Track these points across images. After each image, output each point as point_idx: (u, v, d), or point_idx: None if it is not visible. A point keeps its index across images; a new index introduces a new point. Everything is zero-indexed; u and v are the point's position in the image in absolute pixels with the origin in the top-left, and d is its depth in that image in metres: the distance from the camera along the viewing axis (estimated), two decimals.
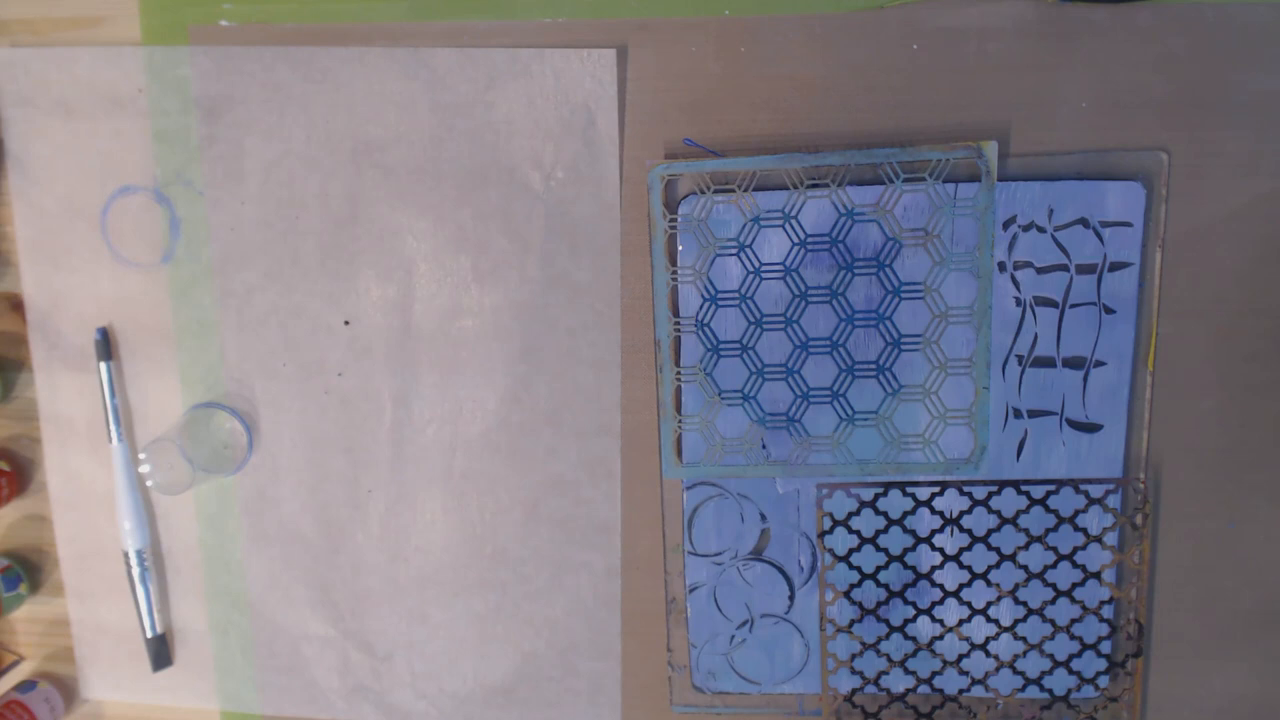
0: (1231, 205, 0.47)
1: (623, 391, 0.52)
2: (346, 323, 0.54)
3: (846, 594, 0.53)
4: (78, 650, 0.60)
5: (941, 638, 0.53)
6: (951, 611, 0.52)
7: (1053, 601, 0.51)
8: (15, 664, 0.61)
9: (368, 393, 0.54)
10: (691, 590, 0.54)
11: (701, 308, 0.51)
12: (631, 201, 0.51)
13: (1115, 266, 0.48)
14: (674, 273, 0.50)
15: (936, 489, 0.51)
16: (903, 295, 0.49)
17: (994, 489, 0.51)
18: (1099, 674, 0.52)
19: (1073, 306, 0.49)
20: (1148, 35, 0.46)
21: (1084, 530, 0.51)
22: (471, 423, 0.54)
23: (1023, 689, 0.53)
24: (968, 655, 0.53)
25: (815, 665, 0.54)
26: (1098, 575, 0.51)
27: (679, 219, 0.50)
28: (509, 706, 0.57)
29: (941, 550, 0.52)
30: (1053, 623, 0.52)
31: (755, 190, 0.49)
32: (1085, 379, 0.49)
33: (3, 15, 0.53)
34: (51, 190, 0.55)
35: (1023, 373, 0.50)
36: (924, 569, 0.52)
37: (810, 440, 0.51)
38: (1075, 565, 0.51)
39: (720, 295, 0.50)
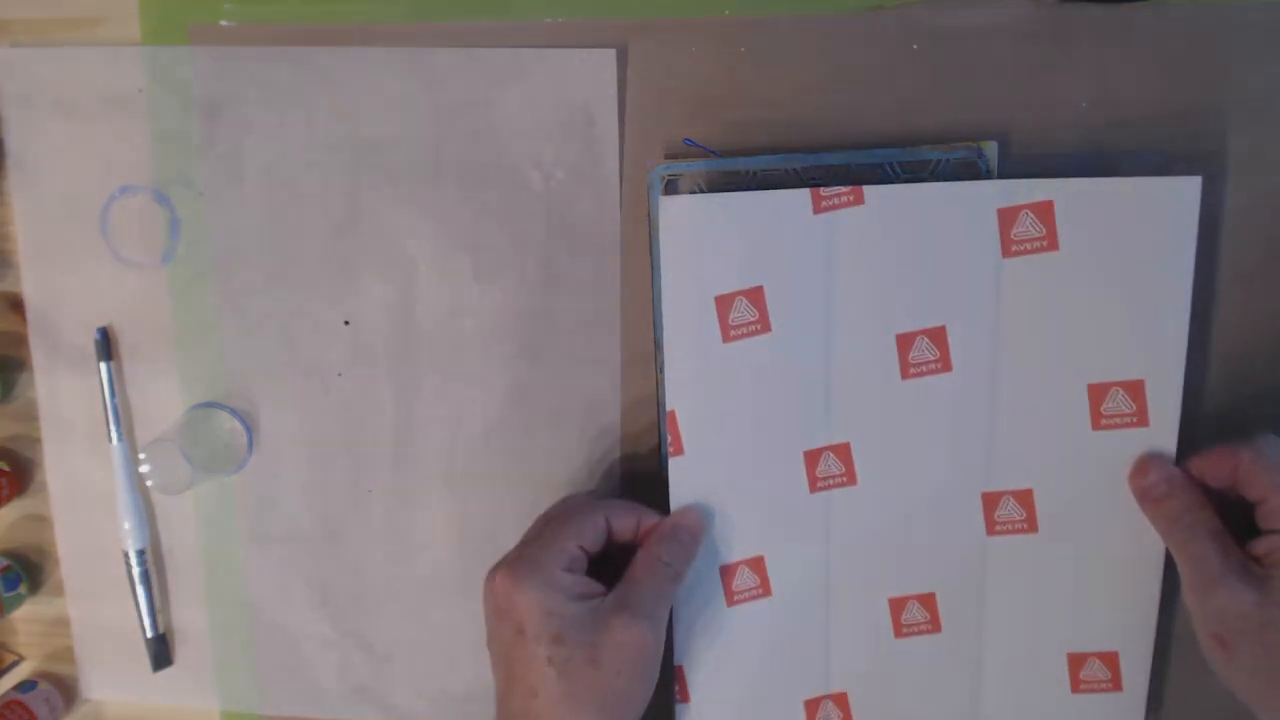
0: (1231, 205, 0.47)
1: (623, 391, 0.52)
2: (347, 323, 0.54)
3: None
4: (78, 650, 0.60)
5: None
6: None
7: None
8: (15, 664, 0.61)
9: (368, 393, 0.54)
10: None
11: None
12: (631, 201, 0.51)
13: None
14: None
15: None
16: None
17: None
18: None
19: None
20: (1148, 35, 0.46)
21: None
22: (471, 423, 0.54)
23: None
24: None
25: None
26: None
27: None
28: None
29: None
30: None
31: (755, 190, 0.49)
32: None
33: (3, 15, 0.53)
34: (51, 190, 0.55)
35: None
36: None
37: None
38: None
39: None
